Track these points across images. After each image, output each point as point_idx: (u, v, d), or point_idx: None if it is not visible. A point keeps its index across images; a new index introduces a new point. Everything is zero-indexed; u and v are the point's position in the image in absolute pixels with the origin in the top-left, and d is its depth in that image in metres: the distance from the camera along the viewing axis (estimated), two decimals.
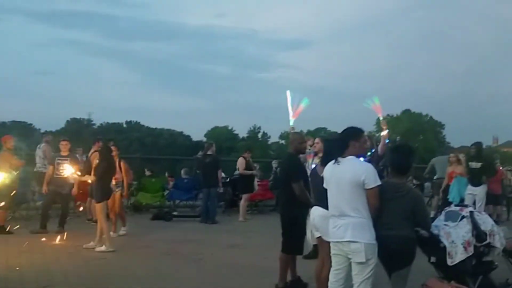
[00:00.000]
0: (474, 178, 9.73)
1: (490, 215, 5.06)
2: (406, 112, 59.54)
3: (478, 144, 10.47)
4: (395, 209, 3.89)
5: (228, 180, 12.64)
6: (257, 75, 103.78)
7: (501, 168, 13.51)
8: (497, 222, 6.77)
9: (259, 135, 64.31)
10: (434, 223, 4.27)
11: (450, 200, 9.79)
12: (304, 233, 5.47)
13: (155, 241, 8.12)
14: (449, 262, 4.03)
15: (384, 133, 7.08)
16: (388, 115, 60.30)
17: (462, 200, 9.72)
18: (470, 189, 9.76)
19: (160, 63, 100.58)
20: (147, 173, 12.70)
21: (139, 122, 61.43)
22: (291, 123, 6.66)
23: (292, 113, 6.65)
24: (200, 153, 13.26)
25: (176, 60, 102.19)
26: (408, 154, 4.24)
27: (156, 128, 59.61)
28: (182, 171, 13.61)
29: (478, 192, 9.61)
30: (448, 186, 10.49)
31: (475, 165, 9.76)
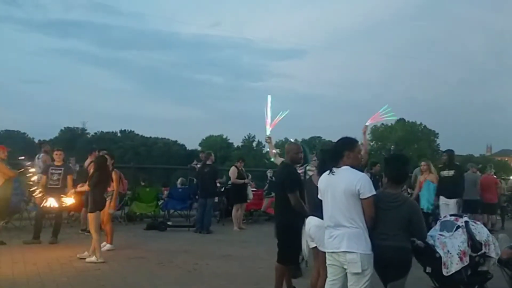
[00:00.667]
0: (446, 187, 9.38)
1: (484, 224, 5.08)
2: (401, 121, 59.83)
3: (449, 152, 10.21)
4: (391, 219, 3.89)
5: (223, 189, 12.61)
6: (251, 84, 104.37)
7: (495, 177, 13.59)
8: (491, 231, 6.80)
9: (254, 144, 64.34)
10: (429, 233, 4.27)
11: (422, 208, 9.54)
12: (300, 244, 5.45)
13: (149, 251, 8.06)
14: (445, 272, 4.03)
15: (364, 140, 6.63)
16: (382, 124, 60.93)
17: (435, 207, 9.42)
18: (443, 199, 9.40)
19: (155, 72, 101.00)
20: (142, 182, 12.65)
21: (133, 131, 61.39)
22: (268, 133, 6.50)
23: (269, 121, 6.46)
24: (195, 162, 13.26)
25: (170, 69, 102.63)
26: (403, 163, 4.24)
27: (150, 137, 59.56)
28: (178, 181, 13.56)
29: (451, 204, 9.24)
30: (418, 195, 9.86)
31: (447, 173, 9.50)
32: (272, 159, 6.62)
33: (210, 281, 6.19)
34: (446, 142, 64.98)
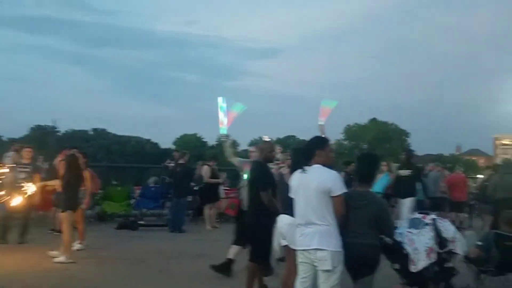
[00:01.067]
0: (403, 187, 9.30)
1: (453, 222, 5.22)
2: (373, 120, 60.63)
3: (408, 151, 10.30)
4: (360, 217, 3.95)
5: (196, 188, 12.53)
6: (227, 83, 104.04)
7: (464, 176, 13.92)
8: (460, 229, 6.97)
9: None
10: (398, 230, 4.35)
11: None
12: (272, 242, 5.47)
13: (120, 251, 7.96)
14: (412, 268, 4.11)
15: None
16: (356, 123, 61.59)
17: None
18: (396, 201, 9.31)
19: (129, 70, 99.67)
20: (113, 182, 12.48)
21: (105, 130, 60.35)
22: (225, 132, 6.39)
23: (224, 121, 6.36)
24: (169, 161, 13.14)
25: (145, 67, 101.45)
26: (371, 163, 4.31)
27: (123, 136, 58.69)
28: (151, 180, 13.43)
29: (405, 203, 9.08)
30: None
31: (404, 172, 9.48)
32: (230, 159, 6.51)
33: (182, 280, 6.16)
34: (417, 142, 66.30)
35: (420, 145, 74.14)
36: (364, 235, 3.92)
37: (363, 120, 62.11)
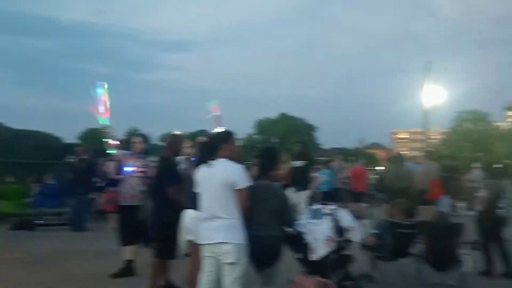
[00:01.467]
0: (297, 178, 9.48)
1: (354, 212, 5.49)
2: (283, 115, 62.28)
3: (302, 144, 10.95)
4: (264, 210, 4.03)
5: (102, 185, 11.99)
6: (138, 76, 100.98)
7: (364, 168, 14.79)
8: (359, 218, 7.36)
9: None
10: (299, 221, 4.50)
11: None
12: (177, 237, 5.39)
13: (15, 253, 7.42)
14: (312, 257, 4.27)
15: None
16: (267, 118, 62.84)
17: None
18: (294, 191, 9.29)
19: (29, 60, 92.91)
20: (9, 179, 11.58)
21: (1, 123, 55.78)
22: (106, 122, 6.03)
23: (101, 109, 5.96)
24: (72, 156, 12.43)
25: (47, 57, 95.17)
26: (272, 157, 4.43)
27: (21, 130, 54.63)
28: (50, 176, 12.60)
29: (301, 197, 9.15)
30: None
31: (299, 163, 9.75)
32: (111, 151, 6.13)
33: (83, 280, 5.87)
34: (324, 135, 69.37)
35: (326, 139, 77.69)
36: (268, 227, 4.01)
37: (273, 114, 63.65)
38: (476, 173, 11.50)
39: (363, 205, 13.43)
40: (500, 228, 6.53)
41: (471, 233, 6.38)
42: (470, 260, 5.59)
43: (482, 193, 6.72)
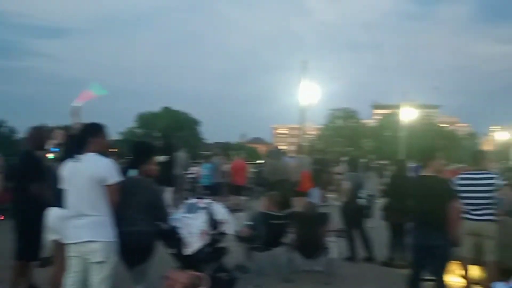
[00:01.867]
0: (160, 174, 9.41)
1: (233, 205, 5.60)
2: (166, 109, 61.28)
3: (166, 138, 11.09)
4: (136, 205, 3.94)
5: None
6: (3, 62, 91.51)
7: (244, 162, 15.15)
8: (238, 211, 7.53)
9: (3, 130, 57.15)
10: (174, 216, 4.47)
11: None
12: (40, 237, 5.02)
13: None
14: (187, 251, 4.27)
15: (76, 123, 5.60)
16: (148, 111, 61.25)
17: None
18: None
19: None
20: None
21: None
22: (77, 104, 5.59)
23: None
24: None
25: None
26: (143, 151, 4.35)
27: None
28: None
29: (168, 191, 8.93)
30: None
31: (163, 159, 9.44)
32: None
33: None
34: (208, 130, 69.76)
35: (210, 134, 78.18)
36: (139, 222, 3.93)
37: (156, 107, 62.35)
38: (343, 166, 12.45)
39: (243, 198, 13.78)
40: (361, 217, 7.15)
41: (337, 222, 6.89)
42: (335, 247, 6.02)
43: (345, 185, 7.31)
